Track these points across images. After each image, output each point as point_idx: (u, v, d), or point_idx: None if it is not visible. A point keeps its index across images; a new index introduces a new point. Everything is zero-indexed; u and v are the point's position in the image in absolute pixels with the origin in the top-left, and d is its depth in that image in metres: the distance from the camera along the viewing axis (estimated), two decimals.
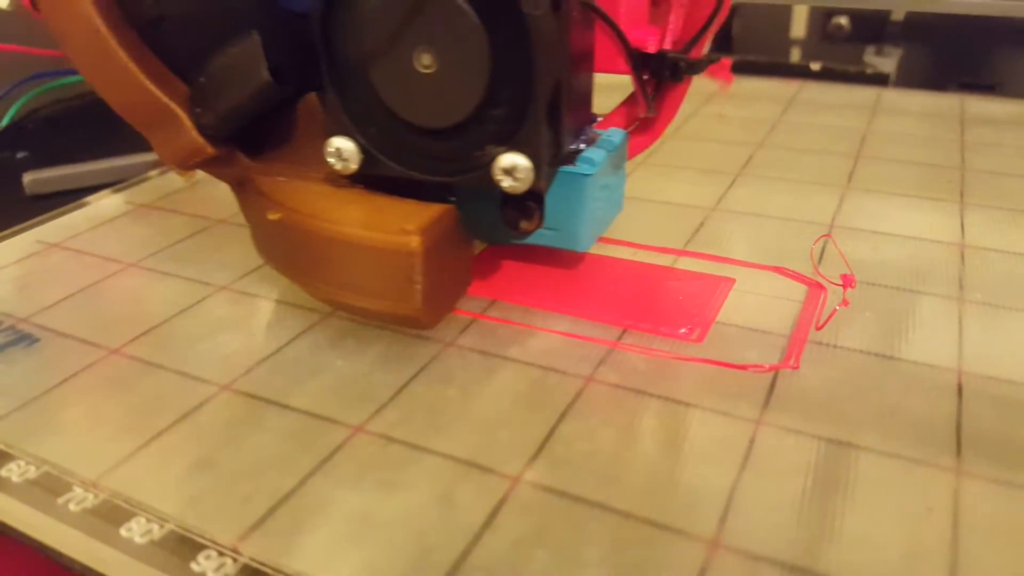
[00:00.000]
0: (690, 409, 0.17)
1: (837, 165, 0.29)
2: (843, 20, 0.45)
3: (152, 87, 0.20)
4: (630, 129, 0.22)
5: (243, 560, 0.14)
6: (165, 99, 0.20)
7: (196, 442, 0.17)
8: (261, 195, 0.20)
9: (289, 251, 0.20)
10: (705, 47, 0.21)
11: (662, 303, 0.21)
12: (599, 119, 0.21)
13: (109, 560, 0.14)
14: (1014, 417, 0.17)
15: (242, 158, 0.21)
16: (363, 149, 0.19)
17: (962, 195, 0.27)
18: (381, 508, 0.15)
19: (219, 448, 0.16)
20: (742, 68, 0.41)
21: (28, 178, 0.31)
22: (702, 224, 0.25)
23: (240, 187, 0.21)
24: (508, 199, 0.18)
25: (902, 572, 0.13)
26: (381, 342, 0.20)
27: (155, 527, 0.15)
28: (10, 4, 0.29)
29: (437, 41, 0.17)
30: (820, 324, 0.20)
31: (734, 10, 0.48)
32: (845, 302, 0.20)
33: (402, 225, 0.17)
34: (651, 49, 0.20)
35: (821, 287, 0.21)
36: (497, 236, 0.20)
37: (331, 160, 0.19)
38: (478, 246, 0.23)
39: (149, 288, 0.23)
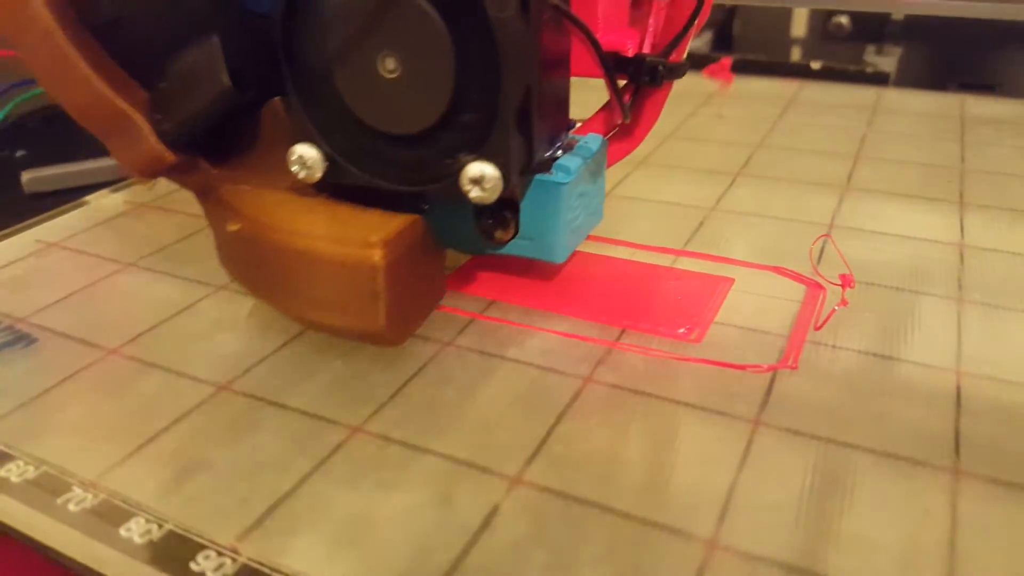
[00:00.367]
0: (689, 409, 0.17)
1: (836, 165, 0.29)
2: (843, 19, 0.45)
3: (109, 92, 0.18)
4: (609, 135, 0.21)
5: (242, 560, 0.14)
6: (123, 105, 0.18)
7: (195, 442, 0.17)
8: (222, 204, 0.19)
9: (249, 264, 0.19)
10: (686, 51, 0.20)
11: (661, 303, 0.21)
12: (577, 125, 0.20)
13: (108, 560, 0.14)
14: (1013, 418, 0.17)
15: (205, 165, 0.20)
16: (328, 157, 0.18)
17: (961, 195, 0.27)
18: (379, 508, 0.15)
19: (217, 448, 0.17)
20: (742, 68, 0.41)
21: (27, 176, 0.31)
22: (701, 224, 0.25)
23: (204, 196, 0.20)
24: (483, 208, 0.18)
25: (899, 573, 0.13)
26: None
27: (154, 527, 0.15)
28: None
29: (400, 45, 0.16)
30: (819, 324, 0.20)
31: (734, 10, 0.48)
32: (844, 302, 0.20)
33: (365, 237, 0.17)
34: (629, 53, 0.19)
35: (820, 287, 0.21)
36: (472, 246, 0.20)
37: (295, 168, 0.18)
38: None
39: (148, 288, 0.23)
